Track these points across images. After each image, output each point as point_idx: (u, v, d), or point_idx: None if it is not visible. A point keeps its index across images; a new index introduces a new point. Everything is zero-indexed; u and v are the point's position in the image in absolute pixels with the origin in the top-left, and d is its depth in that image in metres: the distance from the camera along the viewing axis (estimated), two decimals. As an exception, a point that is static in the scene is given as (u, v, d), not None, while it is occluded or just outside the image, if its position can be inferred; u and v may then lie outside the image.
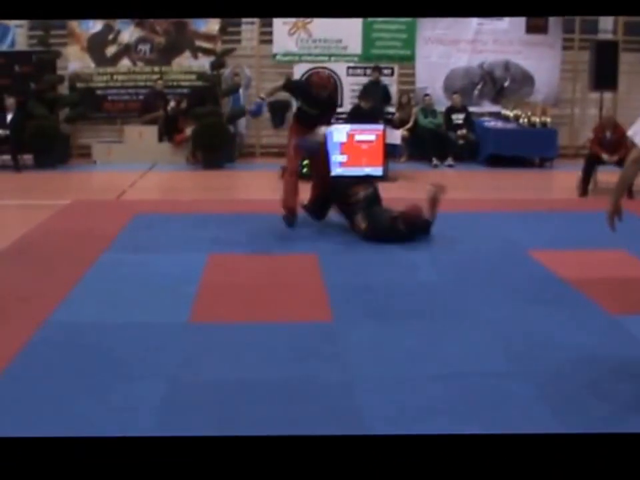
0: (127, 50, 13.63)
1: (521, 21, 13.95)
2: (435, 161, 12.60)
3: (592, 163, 10.00)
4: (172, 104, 13.16)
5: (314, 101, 7.67)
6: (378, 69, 13.29)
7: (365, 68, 13.72)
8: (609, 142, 9.99)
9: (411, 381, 4.05)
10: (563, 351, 4.54)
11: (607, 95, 13.37)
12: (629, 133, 4.34)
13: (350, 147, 10.73)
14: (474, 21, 13.91)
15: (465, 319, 5.05)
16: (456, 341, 4.67)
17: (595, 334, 4.84)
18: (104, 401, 3.75)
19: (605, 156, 9.87)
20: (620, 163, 9.88)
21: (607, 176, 10.16)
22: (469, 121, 13.24)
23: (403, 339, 4.71)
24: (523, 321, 5.05)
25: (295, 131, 7.93)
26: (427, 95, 13.47)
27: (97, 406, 3.70)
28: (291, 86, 8.41)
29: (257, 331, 4.76)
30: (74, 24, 13.45)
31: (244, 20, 13.95)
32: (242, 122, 13.60)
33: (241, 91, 13.46)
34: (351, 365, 4.28)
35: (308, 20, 13.62)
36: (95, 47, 13.51)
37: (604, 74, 12.69)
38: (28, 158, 12.47)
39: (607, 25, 14.28)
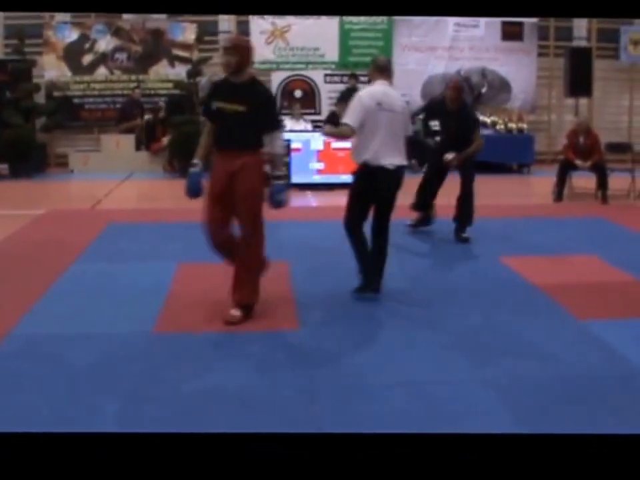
0: (103, 59, 13.63)
1: (496, 28, 14.06)
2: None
3: (566, 169, 10.05)
4: (160, 103, 13.19)
5: (225, 89, 4.99)
6: (354, 76, 13.33)
7: (342, 75, 13.78)
8: (583, 147, 10.04)
9: (372, 389, 4.03)
10: (527, 357, 4.55)
11: (582, 101, 13.50)
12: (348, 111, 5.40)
13: (327, 154, 10.77)
14: (450, 28, 14.01)
15: (431, 326, 5.04)
16: (421, 348, 4.66)
17: (560, 339, 4.85)
18: (57, 413, 3.71)
19: (578, 161, 9.92)
20: (594, 168, 9.96)
21: (582, 181, 10.25)
22: (447, 127, 13.27)
23: (368, 346, 4.71)
24: (489, 327, 5.05)
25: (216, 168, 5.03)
26: (403, 101, 13.51)
27: (49, 418, 3.66)
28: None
29: (221, 341, 4.74)
30: (49, 33, 13.44)
31: (220, 28, 13.98)
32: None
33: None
34: (313, 374, 4.26)
35: (285, 28, 13.66)
36: (71, 55, 13.49)
37: (579, 80, 12.83)
38: (3, 167, 12.43)
39: (580, 32, 14.40)
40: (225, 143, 4.93)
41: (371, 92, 5.52)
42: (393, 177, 5.46)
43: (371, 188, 5.44)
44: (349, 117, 5.39)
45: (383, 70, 5.56)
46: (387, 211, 5.55)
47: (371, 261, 5.52)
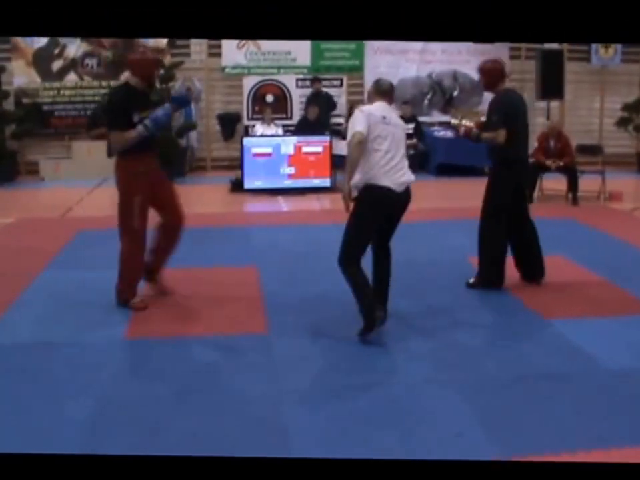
0: (73, 64, 13.50)
1: (467, 31, 14.14)
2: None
3: (536, 171, 10.10)
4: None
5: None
6: (317, 80, 13.35)
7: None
8: (553, 150, 10.12)
9: (338, 392, 4.04)
10: (492, 356, 4.58)
11: (554, 104, 13.60)
12: (350, 127, 4.94)
13: (298, 158, 10.77)
14: (422, 32, 14.07)
15: (396, 326, 5.04)
16: (385, 350, 4.68)
17: (526, 338, 4.90)
18: (28, 422, 3.67)
19: (549, 163, 9.99)
20: (564, 170, 10.03)
21: (552, 183, 10.32)
22: (419, 130, 13.32)
23: (335, 350, 4.70)
24: (454, 326, 5.09)
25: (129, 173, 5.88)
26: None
27: (20, 426, 3.62)
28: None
29: (191, 345, 4.75)
30: (18, 38, 13.30)
31: (192, 33, 13.94)
32: (192, 135, 13.55)
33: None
34: (280, 377, 4.26)
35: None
36: (41, 61, 13.35)
37: (550, 83, 12.90)
38: (-27, 175, 12.28)
39: (551, 34, 14.49)
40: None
41: (372, 107, 4.99)
42: (402, 199, 4.98)
43: (378, 214, 4.94)
44: (356, 126, 4.80)
45: (384, 94, 5.11)
46: (391, 234, 5.17)
47: (376, 291, 5.01)
